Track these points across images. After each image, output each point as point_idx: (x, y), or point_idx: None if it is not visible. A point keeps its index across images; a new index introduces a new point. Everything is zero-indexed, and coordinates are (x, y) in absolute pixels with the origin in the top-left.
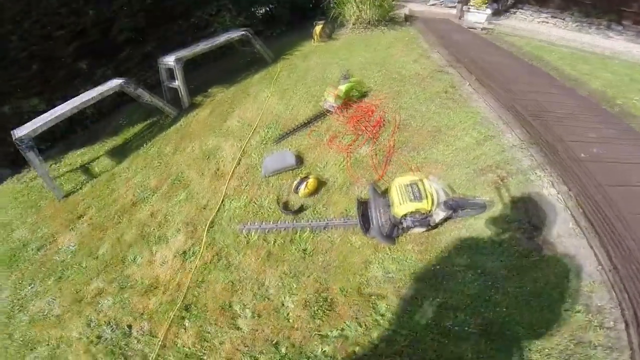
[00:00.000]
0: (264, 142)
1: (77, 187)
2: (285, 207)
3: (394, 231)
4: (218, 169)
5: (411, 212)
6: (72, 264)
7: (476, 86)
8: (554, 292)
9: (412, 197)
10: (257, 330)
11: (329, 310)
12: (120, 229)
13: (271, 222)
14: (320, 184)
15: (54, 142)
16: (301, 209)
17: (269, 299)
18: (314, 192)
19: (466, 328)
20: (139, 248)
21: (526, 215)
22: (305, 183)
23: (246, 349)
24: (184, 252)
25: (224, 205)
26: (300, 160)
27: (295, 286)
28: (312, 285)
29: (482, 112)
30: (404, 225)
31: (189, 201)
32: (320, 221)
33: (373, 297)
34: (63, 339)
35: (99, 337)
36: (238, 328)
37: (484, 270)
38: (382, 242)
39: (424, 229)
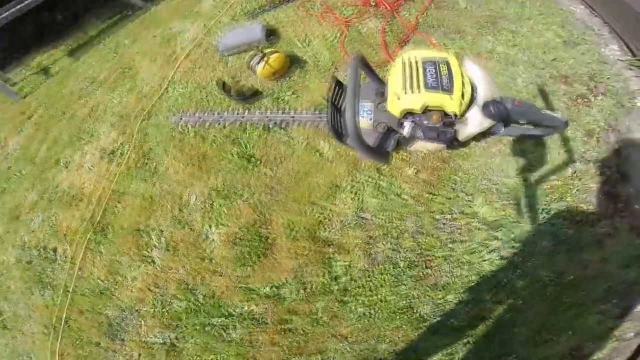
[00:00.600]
0: (237, 19)
1: (35, 89)
2: (236, 92)
3: (387, 142)
4: (173, 53)
5: (424, 109)
6: (14, 171)
7: None
8: None
9: (432, 84)
10: (171, 269)
11: (265, 256)
12: (60, 127)
13: (215, 113)
14: (286, 62)
15: (25, 49)
16: (255, 93)
17: (190, 227)
18: (278, 73)
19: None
20: (73, 149)
21: (616, 158)
22: (265, 58)
23: (158, 290)
24: (112, 152)
25: (167, 92)
26: (272, 34)
27: (225, 212)
28: (249, 213)
29: (577, 14)
30: (407, 132)
31: (132, 91)
32: (281, 114)
33: (331, 248)
34: (4, 264)
35: (29, 262)
36: (151, 262)
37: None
38: (365, 157)
39: (441, 146)
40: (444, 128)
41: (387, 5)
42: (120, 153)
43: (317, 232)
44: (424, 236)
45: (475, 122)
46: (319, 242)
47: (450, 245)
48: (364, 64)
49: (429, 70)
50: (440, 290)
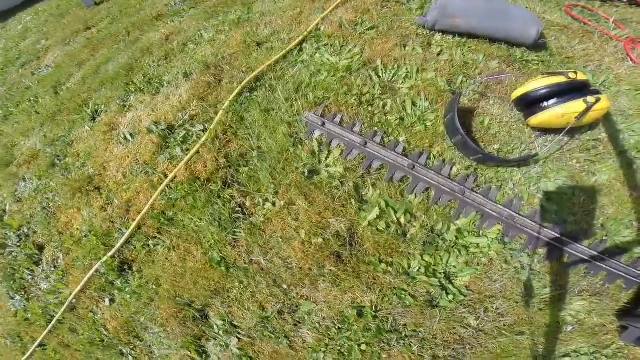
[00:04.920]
0: None
1: None
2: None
3: None
4: None
5: None
6: (30, 95)
7: None
8: None
9: None
10: None
11: None
12: (113, 52)
13: (398, 149)
14: (604, 113)
15: None
16: (529, 160)
17: (290, 344)
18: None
19: None
20: (113, 92)
21: None
22: (588, 104)
23: None
24: (171, 128)
25: (299, 55)
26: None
27: (353, 356)
28: None
29: None
30: None
31: (239, 25)
32: (536, 224)
33: None
34: None
35: (2, 245)
36: (201, 353)
37: None
38: None
39: None
40: None
41: None
42: (184, 139)
43: None
44: None
45: None
46: None
47: None
48: None
49: None
50: None
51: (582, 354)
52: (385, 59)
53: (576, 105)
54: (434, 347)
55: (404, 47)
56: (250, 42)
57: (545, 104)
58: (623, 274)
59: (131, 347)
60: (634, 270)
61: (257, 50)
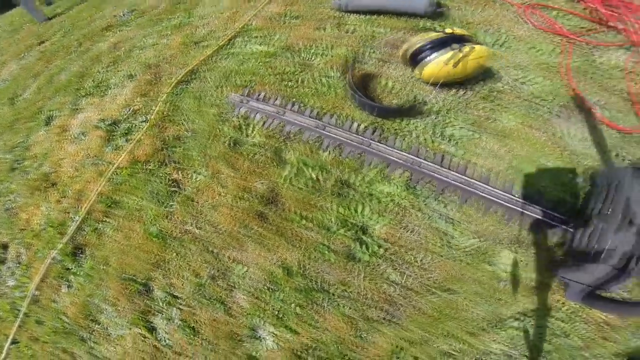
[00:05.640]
0: None
1: (67, 10)
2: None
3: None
4: None
5: None
6: None
7: None
8: None
9: None
10: (181, 353)
11: None
12: (66, 62)
13: (312, 114)
14: (483, 65)
15: None
16: (412, 108)
17: (227, 310)
18: (459, 80)
19: None
20: (65, 97)
21: None
22: (458, 52)
23: None
24: (115, 123)
25: (232, 45)
26: (441, 8)
27: (297, 312)
28: (338, 326)
29: None
30: None
31: (179, 29)
32: (444, 167)
33: None
34: None
35: None
36: (150, 329)
37: None
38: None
39: None
40: None
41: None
42: (127, 130)
43: None
44: None
45: None
46: None
47: None
48: None
49: None
50: None
51: (529, 316)
52: (305, 41)
53: (449, 55)
54: (364, 307)
55: (324, 29)
56: (189, 42)
57: (425, 57)
58: (540, 217)
59: (90, 331)
60: (552, 213)
61: (194, 48)
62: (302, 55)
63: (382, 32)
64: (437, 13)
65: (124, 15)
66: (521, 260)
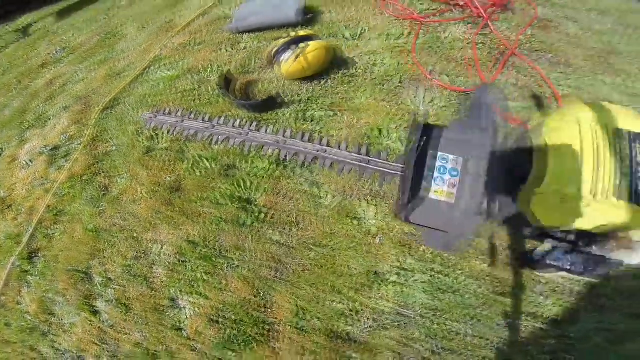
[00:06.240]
0: None
1: (3, 49)
2: (242, 92)
3: (468, 227)
4: (171, 21)
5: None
6: None
7: None
8: None
9: None
10: (123, 329)
11: (259, 344)
12: (8, 99)
13: (204, 119)
14: (327, 57)
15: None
16: (271, 100)
17: (150, 285)
18: (311, 71)
19: None
20: (12, 131)
21: None
22: (297, 49)
23: (106, 347)
24: (55, 148)
25: (147, 73)
26: (308, 15)
27: (204, 278)
28: (241, 288)
29: None
30: (542, 255)
31: (103, 64)
32: (306, 141)
33: (351, 348)
34: None
35: None
36: (95, 312)
37: None
38: (431, 242)
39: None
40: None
41: (479, 10)
42: (66, 152)
43: (336, 326)
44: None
45: None
46: (337, 339)
47: None
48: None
49: None
50: None
51: (409, 270)
52: (204, 63)
53: (293, 53)
54: (257, 267)
55: (220, 50)
56: (112, 74)
57: (279, 58)
58: (386, 170)
59: (49, 324)
60: (390, 164)
61: (116, 79)
62: (201, 74)
63: (266, 44)
64: (307, 19)
65: (57, 52)
66: (382, 212)
